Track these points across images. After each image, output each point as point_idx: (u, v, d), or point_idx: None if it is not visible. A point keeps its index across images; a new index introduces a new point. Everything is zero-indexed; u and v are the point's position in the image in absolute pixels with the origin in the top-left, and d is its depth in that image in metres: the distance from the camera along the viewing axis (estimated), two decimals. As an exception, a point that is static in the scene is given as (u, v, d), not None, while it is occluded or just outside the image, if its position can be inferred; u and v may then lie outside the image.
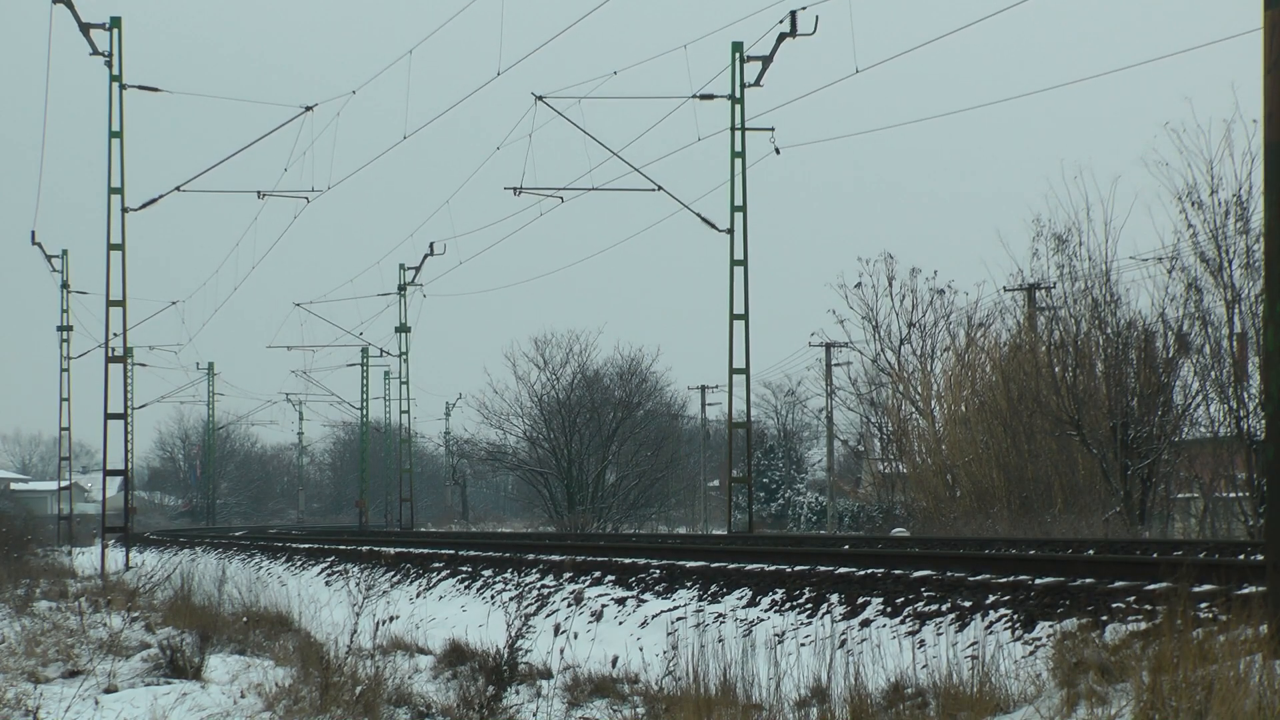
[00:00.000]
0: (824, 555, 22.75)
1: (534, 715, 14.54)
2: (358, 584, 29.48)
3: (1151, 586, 14.71)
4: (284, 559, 46.99)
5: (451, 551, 36.11)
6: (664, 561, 25.19)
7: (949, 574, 18.28)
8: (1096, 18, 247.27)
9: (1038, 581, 16.52)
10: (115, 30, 46.79)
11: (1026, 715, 10.63)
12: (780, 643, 16.58)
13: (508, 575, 28.34)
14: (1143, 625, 12.94)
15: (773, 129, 48.45)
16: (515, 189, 50.80)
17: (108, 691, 16.19)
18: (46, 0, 46.79)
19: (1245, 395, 43.02)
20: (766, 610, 19.37)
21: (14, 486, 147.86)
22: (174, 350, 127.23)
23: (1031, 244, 60.97)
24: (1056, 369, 49.59)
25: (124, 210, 47.54)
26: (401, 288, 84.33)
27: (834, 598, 18.72)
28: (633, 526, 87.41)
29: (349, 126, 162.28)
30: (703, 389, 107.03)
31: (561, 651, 17.12)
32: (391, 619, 21.96)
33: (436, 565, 33.14)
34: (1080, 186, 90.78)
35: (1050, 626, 14.60)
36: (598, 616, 21.69)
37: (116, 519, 68.99)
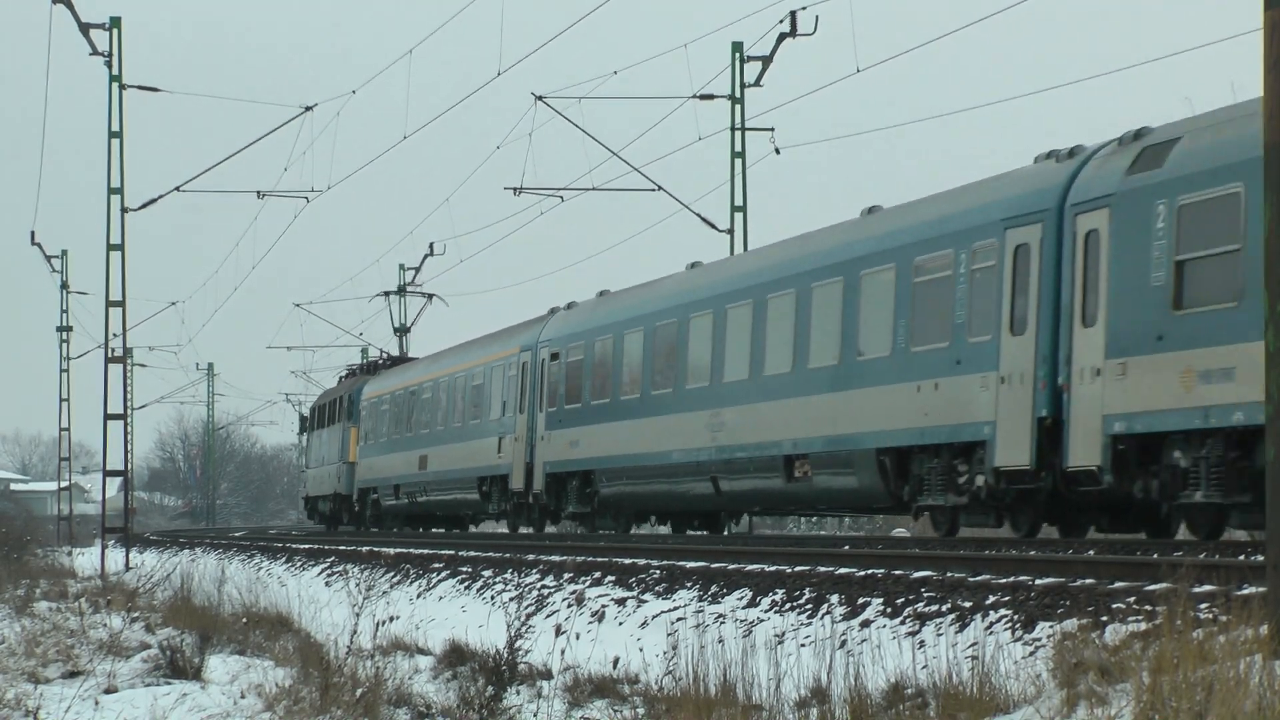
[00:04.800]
0: (824, 555, 22.75)
1: (534, 715, 14.54)
2: (358, 584, 29.47)
3: (1151, 587, 14.69)
4: (284, 559, 46.97)
5: (452, 552, 36.08)
6: (664, 562, 25.17)
7: (949, 574, 18.27)
8: (1097, 18, 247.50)
9: (1038, 582, 16.50)
10: (115, 30, 46.79)
11: (1026, 715, 10.64)
12: (780, 643, 16.56)
13: (508, 576, 28.32)
14: (1143, 626, 12.92)
15: (773, 129, 48.42)
16: (515, 189, 50.78)
17: (108, 692, 16.20)
18: (46, 0, 46.81)
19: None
20: (766, 611, 19.36)
21: (14, 487, 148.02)
22: (174, 350, 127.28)
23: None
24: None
25: (124, 210, 47.56)
26: (401, 288, 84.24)
27: (834, 598, 18.71)
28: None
29: (349, 126, 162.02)
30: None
31: (562, 652, 17.10)
32: (391, 619, 21.92)
33: (436, 565, 33.12)
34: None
35: (1050, 627, 14.59)
36: (598, 617, 21.68)
37: (116, 520, 68.92)
